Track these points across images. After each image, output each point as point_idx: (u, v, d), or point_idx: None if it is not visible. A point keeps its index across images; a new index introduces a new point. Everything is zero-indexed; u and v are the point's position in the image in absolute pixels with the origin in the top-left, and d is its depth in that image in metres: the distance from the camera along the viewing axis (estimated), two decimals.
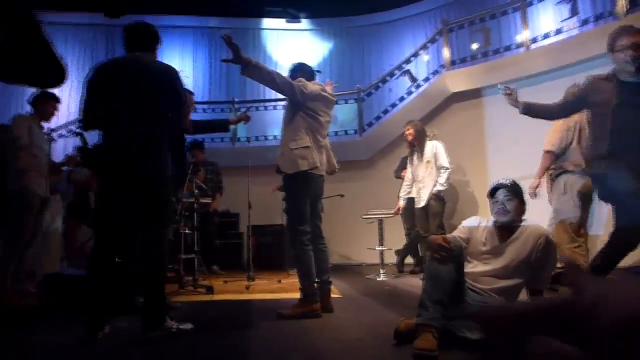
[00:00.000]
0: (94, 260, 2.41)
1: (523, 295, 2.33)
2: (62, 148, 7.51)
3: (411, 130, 4.91)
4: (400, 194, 5.25)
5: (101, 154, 2.52)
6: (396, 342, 2.08)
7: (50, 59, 1.45)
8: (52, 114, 4.09)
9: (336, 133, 7.54)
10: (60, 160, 4.44)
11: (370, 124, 7.55)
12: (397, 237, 5.77)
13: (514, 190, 2.35)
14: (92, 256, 2.42)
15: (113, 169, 2.47)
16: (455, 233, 2.42)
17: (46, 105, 3.98)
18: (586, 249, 3.54)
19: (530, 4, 6.31)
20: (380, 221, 5.36)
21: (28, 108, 3.98)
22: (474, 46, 6.84)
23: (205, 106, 8.12)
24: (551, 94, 5.85)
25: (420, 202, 4.84)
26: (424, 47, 7.39)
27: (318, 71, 3.40)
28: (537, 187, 3.79)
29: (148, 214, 2.45)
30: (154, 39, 2.69)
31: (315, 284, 3.01)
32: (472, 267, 2.33)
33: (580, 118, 3.70)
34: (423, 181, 4.84)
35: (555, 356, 1.88)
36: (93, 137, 2.82)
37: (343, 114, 7.75)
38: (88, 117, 2.55)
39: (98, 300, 2.37)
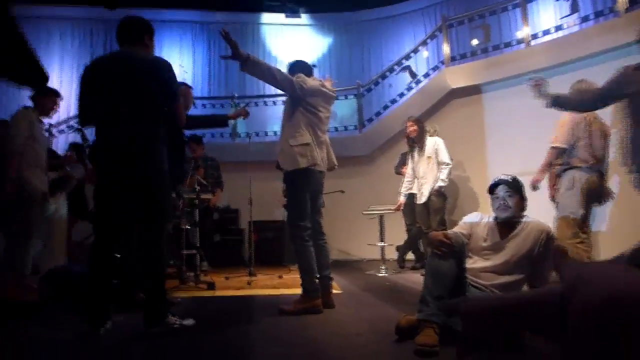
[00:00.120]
0: (93, 257, 2.42)
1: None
2: (63, 143, 7.49)
3: (415, 127, 4.92)
4: (401, 190, 5.26)
5: (95, 150, 2.53)
6: (397, 338, 2.10)
7: (31, 61, 1.46)
8: (53, 109, 4.07)
9: (336, 129, 7.54)
10: (57, 161, 4.43)
11: (370, 120, 7.55)
12: (397, 233, 5.79)
13: (515, 186, 2.36)
14: (92, 252, 2.43)
15: (107, 165, 2.47)
16: (457, 229, 2.44)
17: (46, 100, 3.97)
18: (589, 245, 3.55)
19: (531, 0, 6.30)
20: (381, 217, 5.37)
21: (28, 103, 3.98)
22: (474, 42, 6.83)
23: (204, 101, 8.10)
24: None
25: (422, 198, 4.86)
26: (424, 43, 7.38)
27: (314, 65, 3.39)
28: (539, 181, 3.80)
29: (144, 209, 2.45)
30: (144, 31, 2.63)
31: (316, 280, 3.03)
32: (473, 262, 2.34)
33: (589, 113, 3.70)
34: (424, 177, 4.85)
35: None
36: (93, 132, 2.82)
37: (342, 109, 7.75)
38: (83, 113, 2.57)
39: (99, 296, 2.38)
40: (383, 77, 7.67)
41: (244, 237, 6.79)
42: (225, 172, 5.84)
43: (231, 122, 7.62)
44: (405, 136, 5.09)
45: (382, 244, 5.32)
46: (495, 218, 2.39)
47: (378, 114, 7.52)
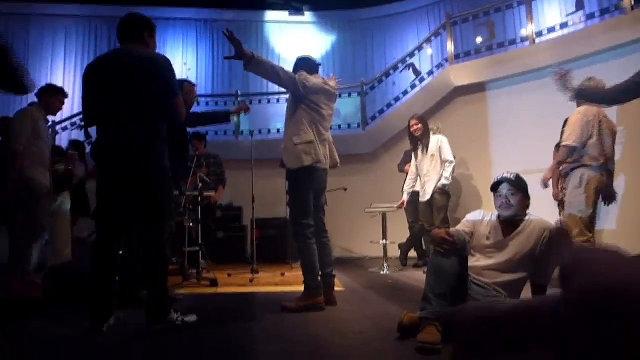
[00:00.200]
0: (96, 254, 2.42)
1: (527, 290, 2.34)
2: (66, 141, 7.51)
3: (420, 125, 4.91)
4: (404, 188, 5.25)
5: (95, 148, 2.53)
6: (399, 335, 2.09)
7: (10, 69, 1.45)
8: (59, 108, 4.10)
9: (339, 126, 7.54)
10: (60, 158, 4.44)
11: (373, 118, 7.53)
12: (400, 231, 5.78)
13: (518, 184, 2.34)
14: (94, 249, 2.43)
15: (107, 164, 2.47)
16: (459, 227, 2.43)
17: (52, 98, 3.99)
18: (594, 244, 3.55)
19: None
20: (384, 215, 5.37)
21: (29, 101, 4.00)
22: (478, 40, 6.81)
23: (208, 99, 8.10)
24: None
25: (425, 196, 4.85)
26: (428, 40, 7.35)
27: (318, 64, 3.39)
28: (549, 179, 3.79)
29: (145, 209, 2.45)
30: (143, 28, 2.60)
31: (319, 277, 3.02)
32: (476, 260, 2.34)
33: (599, 111, 3.68)
34: (428, 175, 4.84)
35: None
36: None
37: (346, 107, 7.74)
38: (85, 113, 2.57)
39: (102, 292, 2.38)
40: (386, 74, 7.65)
41: (247, 234, 6.80)
42: (228, 170, 5.84)
43: (234, 119, 7.69)
44: (409, 134, 5.07)
45: (385, 241, 5.32)
46: (498, 216, 2.38)
47: (381, 111, 7.51)
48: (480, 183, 6.44)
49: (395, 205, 5.24)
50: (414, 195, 5.16)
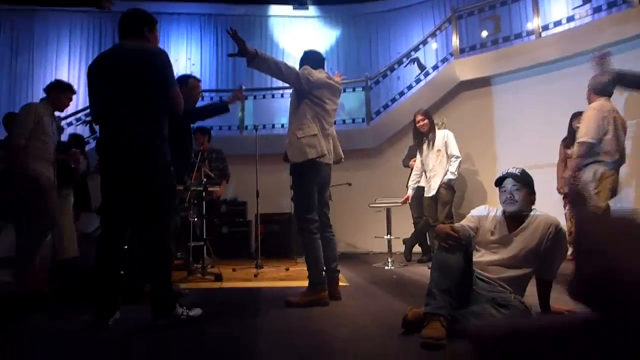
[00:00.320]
0: (101, 249, 2.43)
1: (532, 286, 2.33)
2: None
3: (426, 121, 4.89)
4: (410, 183, 5.24)
5: (98, 145, 2.54)
6: (404, 331, 2.09)
7: None
8: (67, 105, 4.12)
9: (344, 121, 7.52)
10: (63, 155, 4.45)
11: (378, 113, 7.51)
12: (404, 226, 5.77)
13: (523, 179, 2.33)
14: (100, 245, 2.45)
15: (108, 162, 2.48)
16: (464, 222, 2.42)
17: (61, 95, 4.01)
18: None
19: None
20: (388, 210, 5.36)
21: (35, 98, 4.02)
22: (484, 34, 6.76)
23: (212, 94, 8.11)
24: (563, 82, 5.84)
25: (431, 191, 4.84)
26: (433, 34, 7.31)
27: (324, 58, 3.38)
28: (576, 178, 3.75)
29: (148, 204, 2.45)
30: (142, 23, 2.58)
31: (323, 272, 3.03)
32: (481, 256, 2.33)
33: (613, 106, 3.65)
34: (434, 170, 4.83)
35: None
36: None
37: (350, 102, 7.72)
38: (92, 111, 2.58)
39: (107, 287, 2.39)
40: (391, 69, 7.61)
41: (251, 230, 6.82)
42: (233, 165, 5.84)
43: (238, 113, 7.69)
44: (414, 129, 5.05)
45: (389, 237, 5.31)
46: (503, 211, 2.37)
47: (386, 106, 7.48)
48: (485, 178, 6.41)
49: (399, 201, 5.23)
50: (419, 190, 5.15)
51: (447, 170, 4.76)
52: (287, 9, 9.20)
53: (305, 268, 3.04)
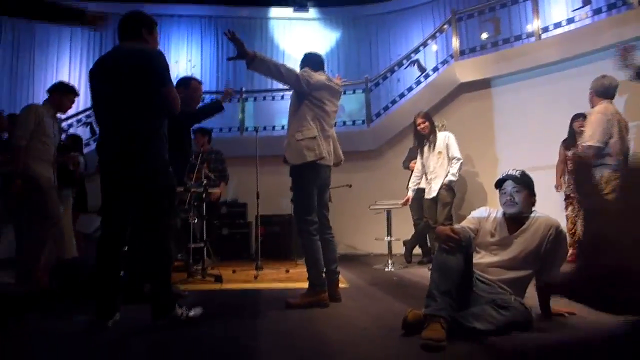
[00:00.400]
0: (101, 250, 2.43)
1: (532, 288, 2.33)
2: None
3: (427, 123, 4.89)
4: (410, 185, 5.24)
5: (98, 146, 2.55)
6: (404, 332, 2.09)
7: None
8: (69, 107, 4.16)
9: (344, 123, 7.51)
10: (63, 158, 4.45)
11: (378, 115, 7.51)
12: (405, 228, 5.77)
13: (523, 181, 2.33)
14: (99, 246, 2.45)
15: (107, 162, 2.48)
16: (464, 223, 2.42)
17: (63, 97, 4.03)
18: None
19: None
20: (389, 212, 5.36)
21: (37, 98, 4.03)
22: (484, 36, 6.76)
23: (213, 96, 8.10)
24: (563, 84, 5.85)
25: (431, 193, 4.83)
26: (433, 36, 7.31)
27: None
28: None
29: (148, 205, 2.45)
30: (141, 25, 2.59)
31: (323, 274, 3.02)
32: (481, 257, 2.33)
33: (616, 109, 3.66)
34: (434, 172, 4.83)
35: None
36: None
37: (350, 104, 7.72)
38: (94, 112, 2.60)
39: (107, 288, 2.39)
40: (391, 71, 7.62)
41: (251, 231, 6.81)
42: (233, 166, 5.84)
43: (238, 115, 7.70)
44: (414, 132, 5.05)
45: (389, 238, 5.31)
46: (504, 213, 2.37)
47: (386, 108, 7.48)
48: (485, 180, 6.41)
49: (400, 203, 5.23)
50: (419, 192, 5.15)
51: (448, 172, 4.76)
52: (288, 11, 9.21)
53: (305, 270, 3.04)
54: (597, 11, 5.71)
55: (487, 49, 6.58)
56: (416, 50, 7.34)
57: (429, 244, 5.60)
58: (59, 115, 4.16)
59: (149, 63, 2.43)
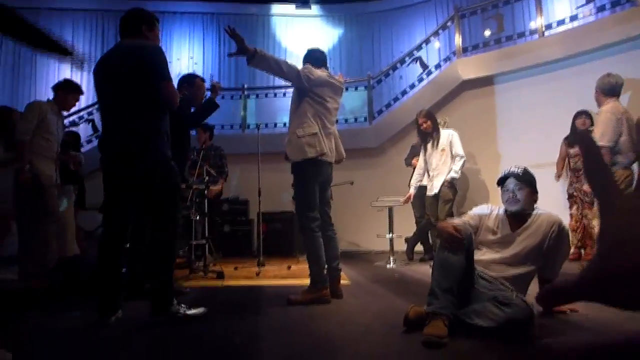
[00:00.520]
0: (103, 247, 2.44)
1: (534, 285, 2.32)
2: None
3: (429, 122, 4.88)
4: (412, 182, 5.23)
5: (100, 143, 2.55)
6: (405, 329, 2.09)
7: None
8: (72, 105, 4.18)
9: (346, 120, 7.51)
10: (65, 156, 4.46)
11: (380, 112, 7.50)
12: (406, 225, 5.77)
13: (526, 178, 2.32)
14: (101, 243, 2.45)
15: (109, 160, 2.49)
16: (465, 218, 2.41)
17: (68, 96, 4.04)
18: None
19: None
20: (390, 209, 5.35)
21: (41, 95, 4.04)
22: (487, 33, 6.74)
23: (211, 85, 8.10)
24: (566, 82, 5.83)
25: (433, 190, 4.83)
26: (436, 33, 7.30)
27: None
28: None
29: (153, 202, 2.45)
30: (141, 22, 2.59)
31: (325, 271, 3.03)
32: (482, 254, 2.32)
33: (624, 109, 3.65)
34: (437, 169, 4.82)
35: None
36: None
37: (353, 101, 7.71)
38: (99, 110, 2.60)
39: (109, 285, 2.40)
40: (394, 68, 7.60)
41: (253, 228, 6.82)
42: (235, 163, 5.85)
43: (240, 112, 7.69)
44: (417, 130, 5.03)
45: (391, 235, 5.30)
46: (505, 210, 2.36)
47: (388, 105, 7.47)
48: (487, 177, 6.41)
49: (402, 200, 5.22)
50: (421, 189, 5.14)
51: (451, 169, 4.75)
52: (290, 8, 9.20)
53: (307, 266, 3.04)
54: (600, 8, 5.69)
55: (490, 46, 6.56)
56: (419, 48, 7.33)
57: (430, 241, 5.60)
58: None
59: (147, 58, 2.43)
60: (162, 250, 2.44)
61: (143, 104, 2.43)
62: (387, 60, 8.55)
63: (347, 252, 6.46)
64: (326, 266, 3.05)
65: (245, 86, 7.95)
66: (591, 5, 5.79)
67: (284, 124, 7.48)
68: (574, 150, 4.90)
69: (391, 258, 5.13)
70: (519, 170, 2.35)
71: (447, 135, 4.89)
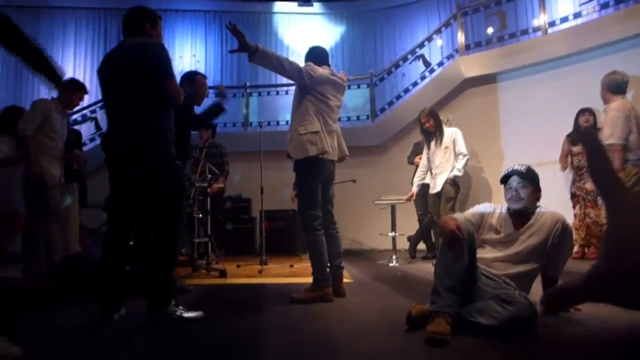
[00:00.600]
0: (107, 245, 2.44)
1: (537, 284, 2.32)
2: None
3: (432, 121, 4.86)
4: (414, 180, 5.23)
5: (103, 141, 2.55)
6: (408, 327, 2.08)
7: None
8: (77, 104, 4.19)
9: (348, 118, 7.50)
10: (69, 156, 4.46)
11: (382, 110, 7.49)
12: (409, 223, 5.76)
13: (529, 176, 2.31)
14: (106, 241, 2.45)
15: (113, 159, 2.49)
16: (467, 215, 2.39)
17: (73, 95, 4.05)
18: None
19: None
20: (393, 207, 5.35)
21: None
22: (490, 30, 6.72)
23: (217, 91, 8.09)
24: (569, 79, 5.81)
25: (435, 188, 4.82)
26: (438, 31, 7.28)
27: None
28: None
29: (154, 200, 2.44)
30: (144, 20, 2.57)
31: (328, 269, 3.02)
32: (486, 252, 2.32)
33: (632, 106, 3.64)
34: (440, 167, 4.81)
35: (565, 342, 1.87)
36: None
37: (355, 99, 7.70)
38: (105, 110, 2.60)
39: (112, 283, 2.40)
40: (396, 66, 7.59)
41: (256, 226, 6.83)
42: (237, 162, 5.85)
43: (242, 110, 7.69)
44: (421, 128, 5.02)
45: (394, 234, 5.30)
46: (508, 209, 2.35)
47: (391, 103, 7.46)
48: (490, 176, 6.39)
49: (404, 198, 5.22)
50: (424, 187, 5.13)
51: (454, 167, 4.74)
52: (292, 6, 9.18)
53: (310, 265, 3.04)
54: (604, 6, 5.66)
55: (493, 43, 6.54)
56: (421, 45, 7.31)
57: (433, 240, 5.59)
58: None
59: (149, 56, 2.42)
60: (164, 251, 2.43)
61: (145, 103, 2.42)
62: (390, 58, 8.53)
63: (349, 251, 6.46)
64: (329, 264, 3.05)
65: (248, 84, 7.95)
66: (595, 2, 5.76)
67: (287, 122, 7.47)
68: (577, 148, 4.88)
69: (394, 256, 5.13)
70: (522, 168, 2.34)
71: (451, 133, 4.88)
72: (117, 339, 2.13)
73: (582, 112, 4.87)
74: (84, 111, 7.65)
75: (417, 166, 5.33)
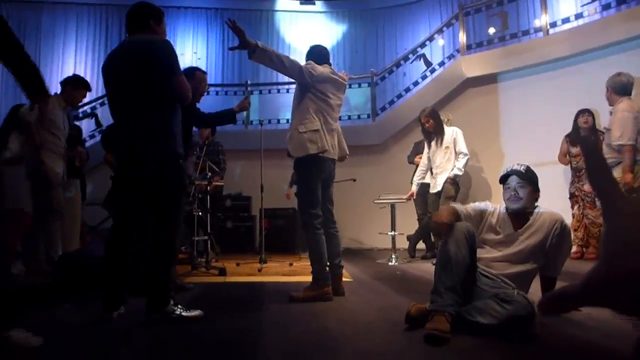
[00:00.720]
0: (110, 243, 2.44)
1: (536, 283, 2.32)
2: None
3: (432, 121, 4.85)
4: (414, 179, 5.23)
5: (105, 138, 2.56)
6: (407, 326, 2.09)
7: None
8: (79, 101, 4.18)
9: (349, 117, 7.50)
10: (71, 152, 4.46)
11: (383, 109, 7.49)
12: (409, 223, 5.77)
13: (528, 176, 2.31)
14: (109, 239, 2.45)
15: (119, 156, 2.49)
16: (469, 208, 2.39)
17: (75, 91, 4.04)
18: None
19: None
20: (393, 206, 5.35)
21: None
22: (491, 30, 6.72)
23: (218, 88, 8.10)
24: (570, 80, 5.81)
25: (436, 187, 4.81)
26: (440, 30, 7.27)
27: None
28: (631, 182, 3.73)
29: (156, 200, 2.44)
30: (148, 16, 2.55)
31: (327, 268, 3.03)
32: (485, 252, 2.32)
33: (638, 107, 3.65)
34: (440, 166, 4.80)
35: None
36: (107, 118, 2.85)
37: (356, 98, 7.70)
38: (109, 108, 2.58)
39: (115, 280, 2.40)
40: (397, 65, 7.58)
41: (256, 224, 6.83)
42: (237, 159, 5.85)
43: (242, 113, 7.68)
44: (422, 128, 5.02)
45: (393, 233, 5.31)
46: (506, 209, 2.35)
47: (392, 102, 7.46)
48: (490, 175, 6.39)
49: (404, 197, 5.22)
50: (424, 187, 5.13)
51: (454, 166, 4.74)
52: (294, 4, 9.17)
53: (309, 263, 3.04)
54: (606, 6, 5.66)
55: (494, 43, 6.54)
56: (423, 45, 7.30)
57: (432, 239, 5.60)
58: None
59: (156, 53, 2.40)
60: (162, 250, 2.43)
61: (150, 102, 2.40)
62: (391, 57, 8.53)
63: (349, 250, 6.47)
64: (328, 263, 3.05)
65: (249, 82, 7.94)
66: (596, 3, 5.76)
67: (287, 120, 7.48)
68: (576, 150, 4.88)
69: (393, 255, 5.13)
70: (521, 168, 2.34)
71: (451, 132, 4.88)
72: (116, 338, 2.14)
73: (581, 112, 4.87)
74: (84, 107, 7.65)
75: (417, 165, 5.33)
